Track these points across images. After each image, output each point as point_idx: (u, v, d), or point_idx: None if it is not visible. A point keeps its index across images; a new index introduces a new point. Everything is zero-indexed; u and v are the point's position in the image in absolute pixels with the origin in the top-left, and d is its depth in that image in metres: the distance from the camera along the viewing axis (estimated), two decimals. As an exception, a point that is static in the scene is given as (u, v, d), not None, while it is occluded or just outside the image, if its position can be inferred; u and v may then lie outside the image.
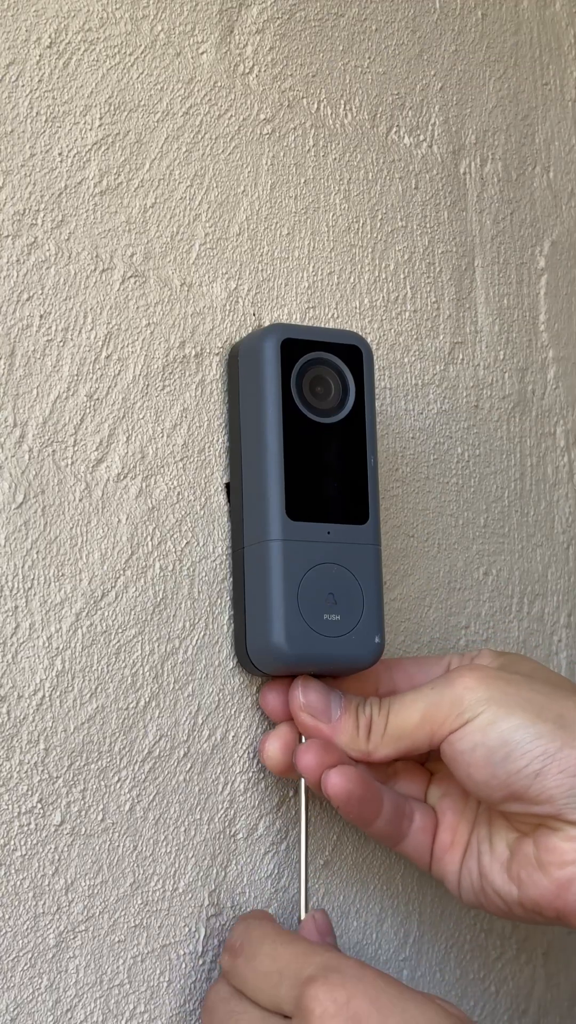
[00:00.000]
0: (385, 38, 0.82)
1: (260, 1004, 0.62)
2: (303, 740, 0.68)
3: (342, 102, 0.79)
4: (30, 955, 0.64)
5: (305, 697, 0.67)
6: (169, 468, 0.70)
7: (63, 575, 0.66)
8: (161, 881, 0.67)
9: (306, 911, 0.68)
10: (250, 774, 0.70)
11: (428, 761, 0.72)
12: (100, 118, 0.71)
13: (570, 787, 0.63)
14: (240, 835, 0.70)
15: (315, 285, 0.77)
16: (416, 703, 0.66)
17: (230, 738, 0.70)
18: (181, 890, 0.68)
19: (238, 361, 0.71)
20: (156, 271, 0.71)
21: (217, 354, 0.72)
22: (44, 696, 0.65)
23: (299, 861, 0.69)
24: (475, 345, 0.83)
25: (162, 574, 0.69)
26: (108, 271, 0.70)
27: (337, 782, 0.66)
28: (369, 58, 0.81)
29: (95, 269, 0.69)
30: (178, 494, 0.70)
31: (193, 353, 0.72)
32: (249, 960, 0.63)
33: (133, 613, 0.68)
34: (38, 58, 0.69)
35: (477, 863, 0.68)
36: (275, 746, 0.68)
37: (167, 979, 0.67)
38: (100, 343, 0.69)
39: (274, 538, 0.67)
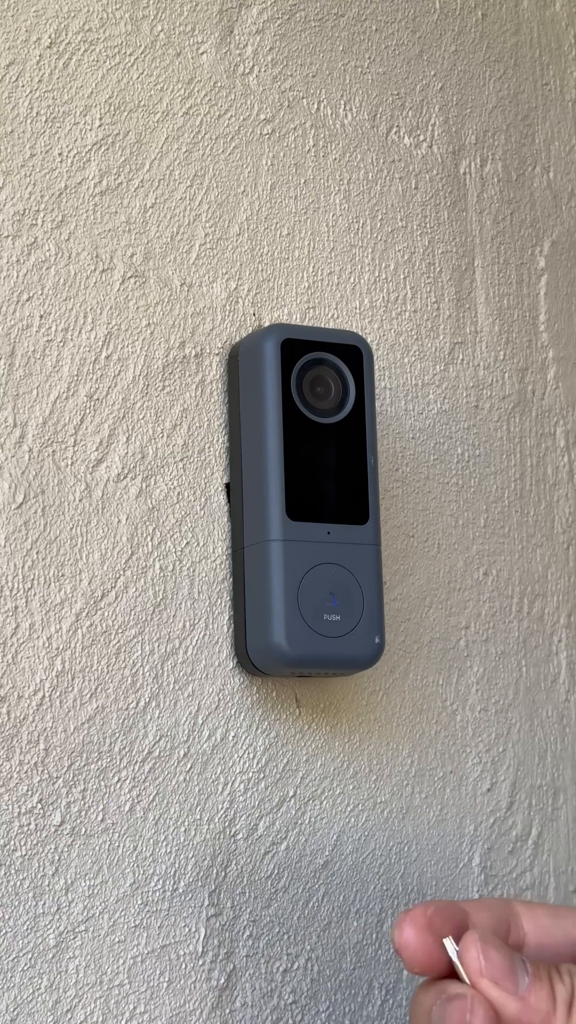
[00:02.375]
0: (385, 38, 0.82)
1: None
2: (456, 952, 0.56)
3: (342, 102, 0.79)
4: (30, 955, 0.64)
5: (486, 958, 0.55)
6: (169, 468, 0.70)
7: (63, 575, 0.66)
8: (161, 881, 0.67)
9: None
10: (250, 774, 0.70)
11: None
12: (100, 118, 0.71)
13: None
14: (240, 835, 0.70)
15: (315, 285, 0.77)
16: None
17: (230, 738, 0.70)
18: (181, 890, 0.68)
19: (238, 361, 0.71)
20: (156, 271, 0.71)
21: (217, 354, 0.72)
22: (44, 696, 0.65)
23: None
24: (475, 345, 0.83)
25: (162, 574, 0.69)
26: (108, 271, 0.70)
27: None
28: (369, 58, 0.81)
29: (95, 269, 0.69)
30: (178, 494, 0.70)
31: (193, 353, 0.72)
32: None
33: (133, 613, 0.68)
34: (38, 58, 0.69)
35: None
36: (411, 935, 0.56)
37: (167, 979, 0.67)
38: (100, 343, 0.69)
39: (274, 538, 0.67)
